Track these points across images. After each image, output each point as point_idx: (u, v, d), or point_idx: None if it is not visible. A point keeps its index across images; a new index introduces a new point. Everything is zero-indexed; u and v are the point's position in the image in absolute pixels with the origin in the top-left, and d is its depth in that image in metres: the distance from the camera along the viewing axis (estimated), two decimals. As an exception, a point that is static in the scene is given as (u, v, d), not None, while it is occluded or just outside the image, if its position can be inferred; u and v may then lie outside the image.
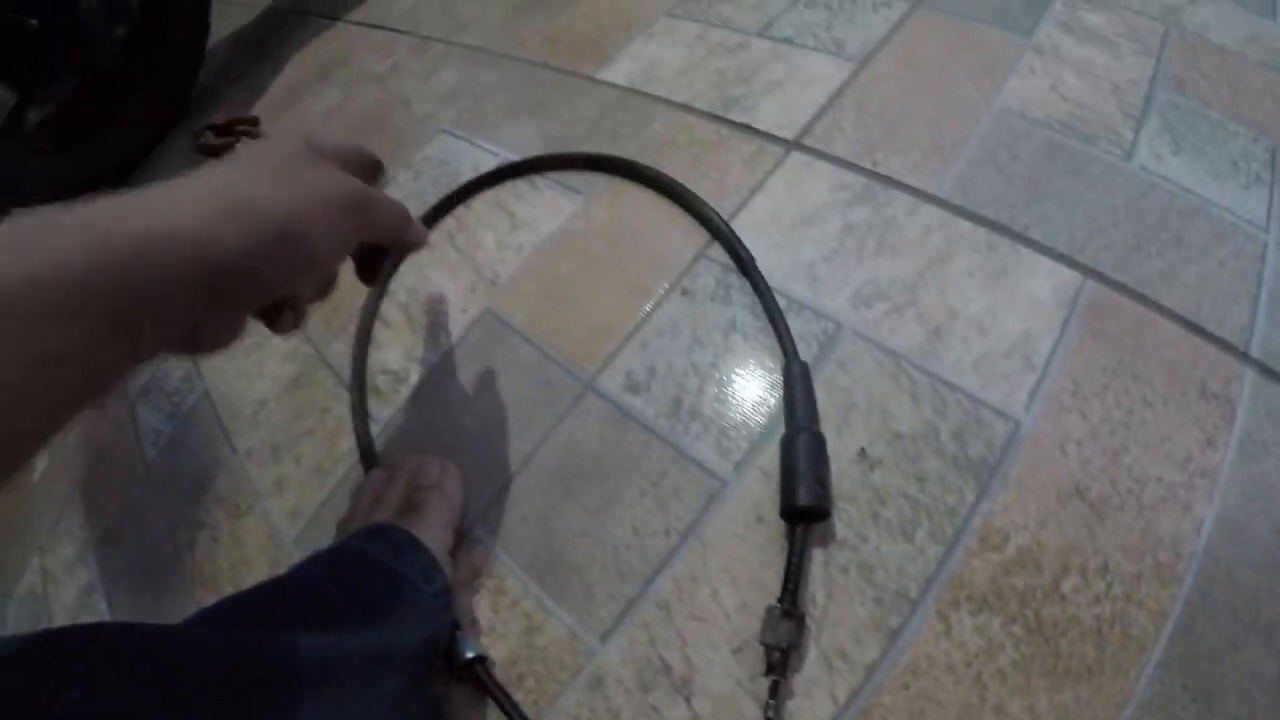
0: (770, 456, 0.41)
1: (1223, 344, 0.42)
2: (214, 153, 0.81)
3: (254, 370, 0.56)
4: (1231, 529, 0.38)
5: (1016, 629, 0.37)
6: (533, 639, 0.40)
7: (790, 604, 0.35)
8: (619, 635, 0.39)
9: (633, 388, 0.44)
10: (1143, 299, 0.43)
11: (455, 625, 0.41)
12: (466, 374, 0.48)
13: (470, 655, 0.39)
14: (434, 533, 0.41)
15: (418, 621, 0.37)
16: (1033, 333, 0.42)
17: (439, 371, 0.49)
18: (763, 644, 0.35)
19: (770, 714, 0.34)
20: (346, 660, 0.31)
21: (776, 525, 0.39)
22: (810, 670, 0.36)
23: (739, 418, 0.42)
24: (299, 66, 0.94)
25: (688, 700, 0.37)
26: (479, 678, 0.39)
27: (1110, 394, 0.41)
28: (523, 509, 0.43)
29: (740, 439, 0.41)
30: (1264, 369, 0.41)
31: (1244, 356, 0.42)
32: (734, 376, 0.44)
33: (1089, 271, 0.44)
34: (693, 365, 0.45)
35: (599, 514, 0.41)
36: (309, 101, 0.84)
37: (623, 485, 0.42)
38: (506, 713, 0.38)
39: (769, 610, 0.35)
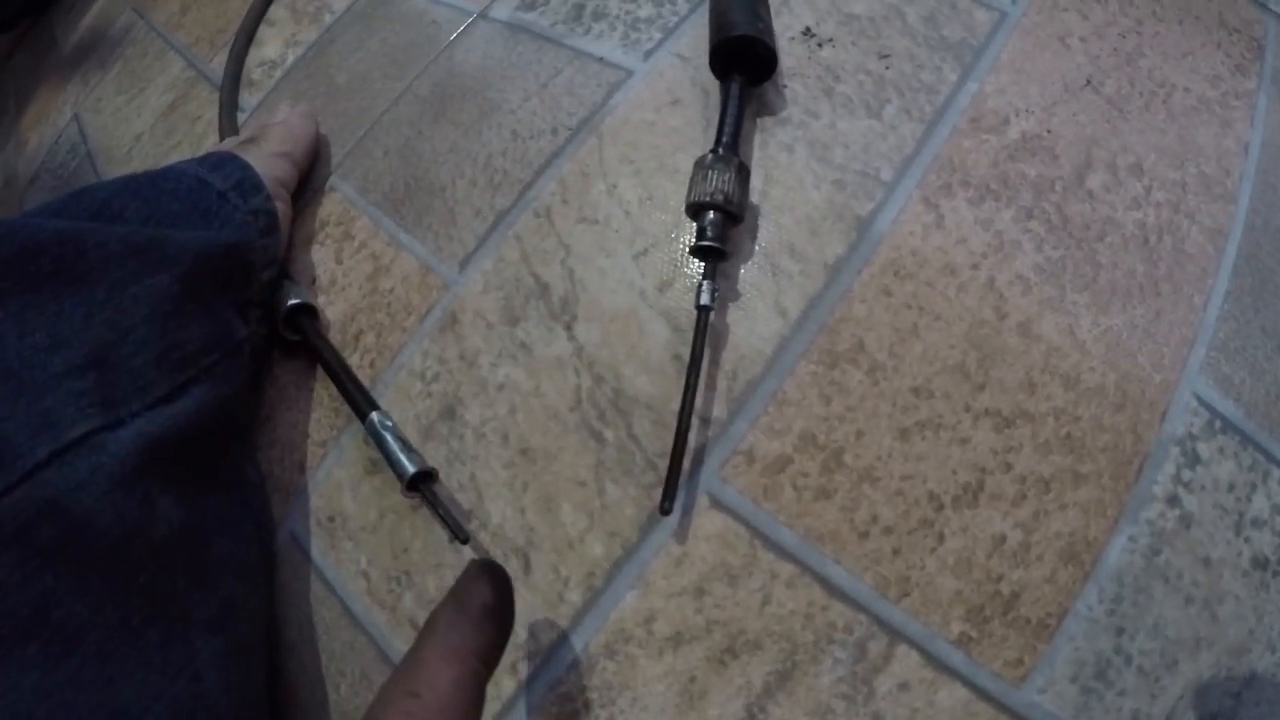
0: (690, 43, 0.31)
1: (1238, -11, 0.34)
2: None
3: (134, 114, 0.49)
4: (1282, 161, 0.30)
5: (1036, 226, 0.26)
6: (377, 283, 0.30)
7: (729, 150, 0.25)
8: (483, 258, 0.28)
9: (528, 5, 0.34)
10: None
11: (285, 275, 0.32)
12: (346, 40, 0.40)
13: (293, 302, 0.30)
14: (267, 160, 0.32)
15: (214, 228, 0.29)
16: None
17: (316, 46, 0.41)
18: (691, 206, 0.24)
19: (704, 299, 0.23)
20: (101, 248, 0.25)
21: (696, 106, 0.29)
22: (748, 275, 0.26)
23: (652, 11, 0.32)
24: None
25: (569, 328, 0.27)
26: (303, 331, 0.31)
27: (1113, 2, 0.32)
28: (385, 144, 0.33)
29: (653, 30, 0.31)
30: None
31: (1263, 7, 0.35)
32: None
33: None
34: (604, -27, 0.36)
35: (473, 128, 0.31)
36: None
37: (505, 94, 0.32)
38: (329, 369, 0.29)
39: (698, 162, 0.25)
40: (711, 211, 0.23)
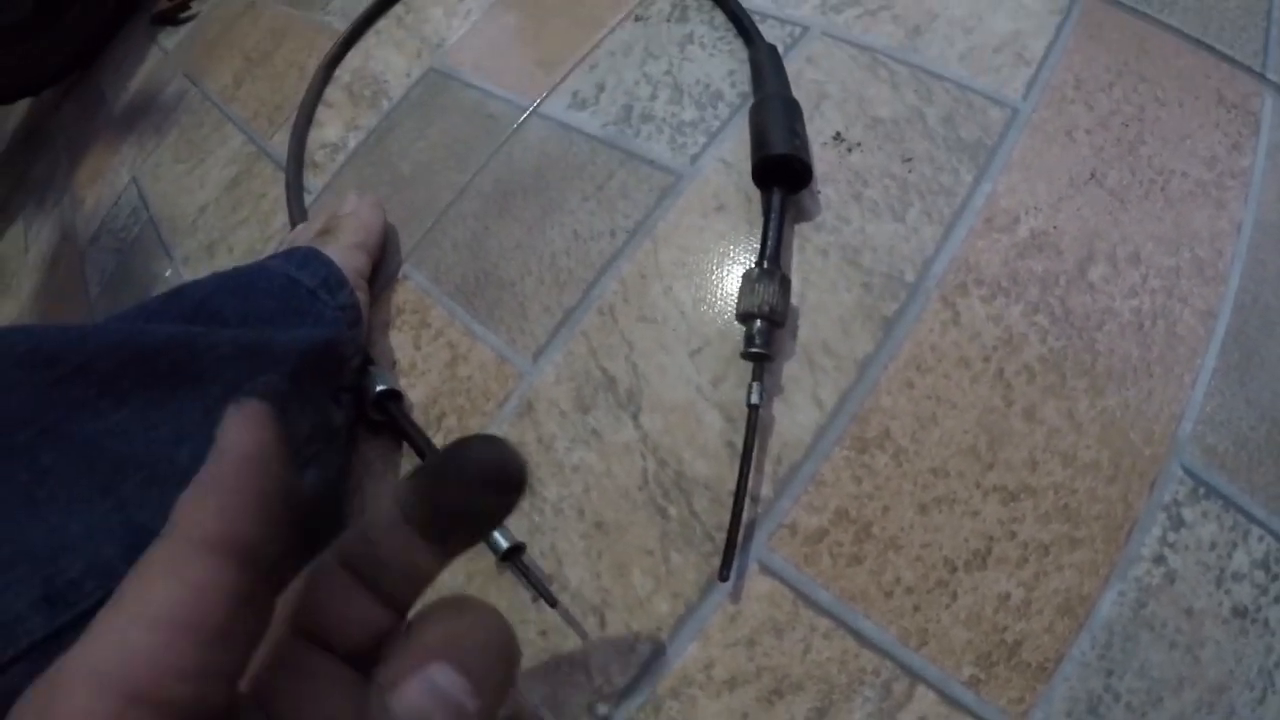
0: (731, 148, 0.37)
1: (1236, 63, 0.40)
2: (169, 19, 0.81)
3: (196, 184, 0.56)
4: (1275, 234, 0.35)
5: (1041, 319, 0.32)
6: (456, 370, 0.37)
7: (772, 264, 0.31)
8: (554, 351, 0.35)
9: (579, 105, 0.41)
10: (1144, 16, 0.40)
11: (368, 360, 0.39)
12: (406, 129, 0.46)
13: (381, 389, 0.37)
14: (345, 253, 0.38)
15: (309, 325, 0.35)
16: (1024, 32, 0.39)
17: (376, 133, 0.47)
18: (740, 315, 0.31)
19: (754, 399, 0.29)
20: (213, 350, 0.30)
21: (740, 212, 0.35)
22: (789, 371, 0.32)
23: (695, 115, 0.39)
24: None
25: (634, 417, 0.33)
26: (390, 415, 0.37)
27: (1117, 90, 0.38)
28: (454, 237, 0.40)
29: (698, 134, 0.38)
30: (1285, 94, 0.38)
31: (1261, 78, 0.40)
32: (690, 80, 0.41)
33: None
34: (645, 76, 0.42)
35: (536, 226, 0.38)
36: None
37: (564, 194, 0.38)
38: (418, 451, 0.35)
39: (746, 275, 0.31)
40: (758, 320, 0.29)
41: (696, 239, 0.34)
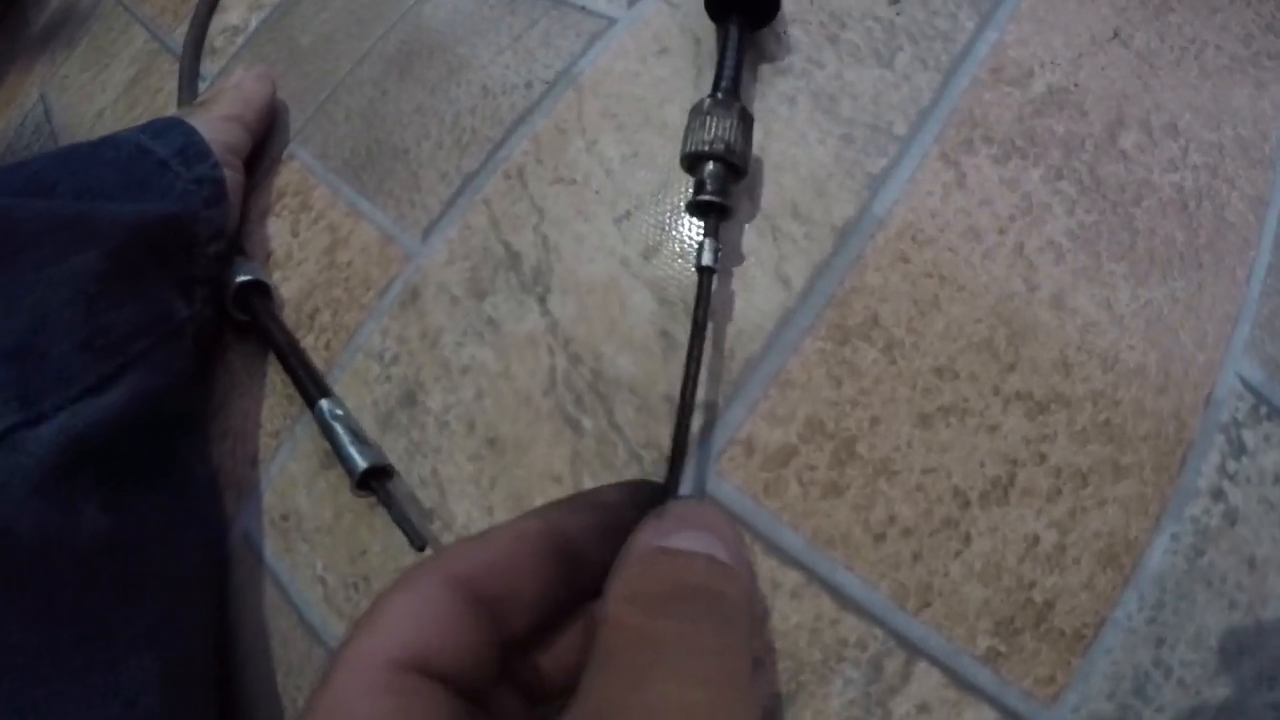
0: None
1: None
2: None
3: (98, 90, 0.45)
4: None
5: (1067, 187, 0.22)
6: (335, 256, 0.25)
7: (729, 95, 0.20)
8: (447, 226, 0.24)
9: None
10: None
11: (238, 251, 0.28)
12: (311, 1, 0.36)
13: (243, 279, 0.26)
14: (215, 123, 0.27)
15: (153, 199, 0.25)
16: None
17: (281, 9, 0.36)
18: (687, 157, 0.20)
19: (705, 259, 0.18)
20: (26, 224, 0.21)
21: (687, 55, 0.24)
22: (746, 240, 0.21)
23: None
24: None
25: (541, 301, 0.22)
26: (254, 312, 0.26)
27: None
28: (347, 107, 0.28)
29: (642, -24, 0.28)
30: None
31: None
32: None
33: None
34: (586, -79, 0.32)
35: (440, 86, 0.26)
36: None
37: (475, 49, 0.27)
38: (278, 351, 0.24)
39: (695, 108, 0.20)
40: (711, 162, 0.19)
41: (631, 86, 0.23)
